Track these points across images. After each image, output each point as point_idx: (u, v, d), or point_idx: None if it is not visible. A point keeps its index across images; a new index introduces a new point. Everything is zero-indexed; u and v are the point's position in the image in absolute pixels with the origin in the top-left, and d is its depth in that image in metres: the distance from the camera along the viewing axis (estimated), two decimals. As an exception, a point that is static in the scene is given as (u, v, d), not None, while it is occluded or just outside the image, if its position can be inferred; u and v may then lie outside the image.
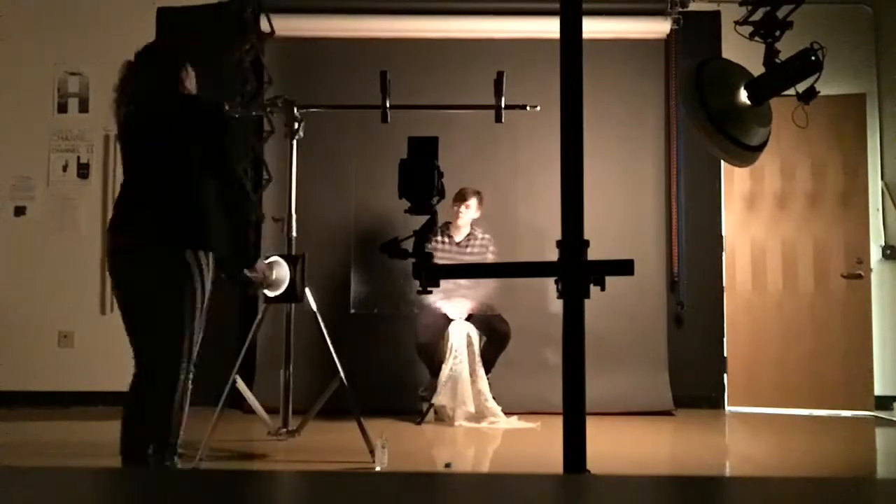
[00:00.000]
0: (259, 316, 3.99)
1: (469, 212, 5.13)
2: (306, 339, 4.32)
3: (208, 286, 2.93)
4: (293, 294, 3.70)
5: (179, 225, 2.88)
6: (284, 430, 3.88)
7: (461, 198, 5.08)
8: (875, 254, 5.73)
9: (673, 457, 4.41)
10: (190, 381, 2.94)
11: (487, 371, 4.97)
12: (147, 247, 2.87)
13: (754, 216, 5.78)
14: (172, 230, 2.88)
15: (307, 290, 3.76)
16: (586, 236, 1.81)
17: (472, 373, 4.89)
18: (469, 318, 5.01)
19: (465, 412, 4.84)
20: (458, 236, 5.18)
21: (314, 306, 3.79)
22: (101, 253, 5.69)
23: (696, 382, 5.62)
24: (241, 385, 3.78)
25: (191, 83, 3.09)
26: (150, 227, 2.88)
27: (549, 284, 1.82)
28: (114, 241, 2.94)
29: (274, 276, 3.59)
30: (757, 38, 2.99)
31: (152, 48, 3.11)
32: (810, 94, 2.95)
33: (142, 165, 2.99)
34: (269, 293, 3.69)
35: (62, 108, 5.80)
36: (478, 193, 5.16)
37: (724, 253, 5.79)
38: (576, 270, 1.78)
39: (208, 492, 0.85)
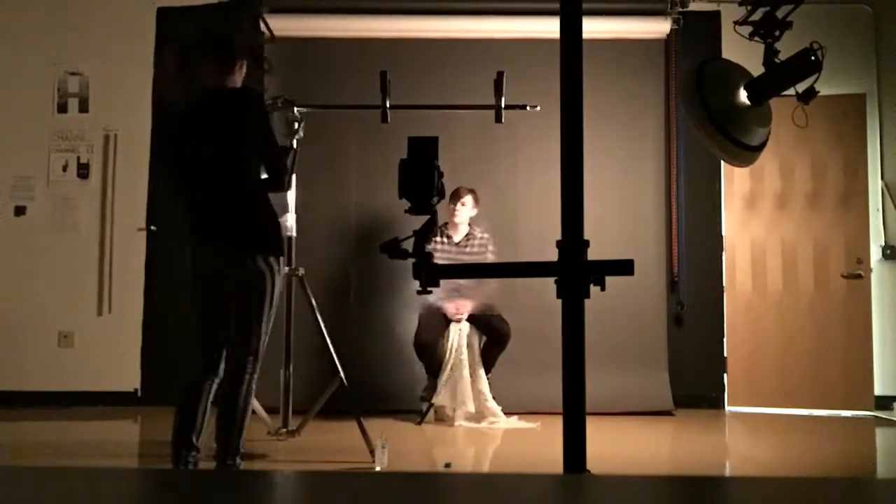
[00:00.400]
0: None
1: (466, 209, 5.14)
2: (306, 338, 4.32)
3: (279, 289, 3.08)
4: None
5: (256, 233, 3.04)
6: (284, 430, 3.88)
7: (456, 196, 5.09)
8: (875, 254, 5.73)
9: (673, 457, 4.40)
10: (255, 380, 3.06)
11: (487, 371, 4.97)
12: (230, 254, 3.01)
13: (754, 216, 5.78)
14: (251, 238, 3.02)
15: (306, 287, 3.76)
16: (586, 236, 1.81)
17: (472, 373, 4.89)
18: (469, 318, 5.01)
19: (465, 412, 4.84)
20: (457, 236, 5.19)
21: (313, 301, 3.79)
22: (100, 252, 5.70)
23: (696, 382, 5.62)
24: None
25: (240, 76, 3.12)
26: (232, 236, 3.02)
27: (550, 284, 1.81)
28: (198, 249, 3.07)
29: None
30: (757, 38, 2.98)
31: (218, 40, 3.06)
32: (810, 94, 2.95)
33: (208, 164, 3.04)
34: None
35: (62, 108, 5.79)
36: (472, 191, 5.17)
37: (724, 253, 5.79)
38: (576, 270, 1.78)
39: (208, 492, 0.85)
